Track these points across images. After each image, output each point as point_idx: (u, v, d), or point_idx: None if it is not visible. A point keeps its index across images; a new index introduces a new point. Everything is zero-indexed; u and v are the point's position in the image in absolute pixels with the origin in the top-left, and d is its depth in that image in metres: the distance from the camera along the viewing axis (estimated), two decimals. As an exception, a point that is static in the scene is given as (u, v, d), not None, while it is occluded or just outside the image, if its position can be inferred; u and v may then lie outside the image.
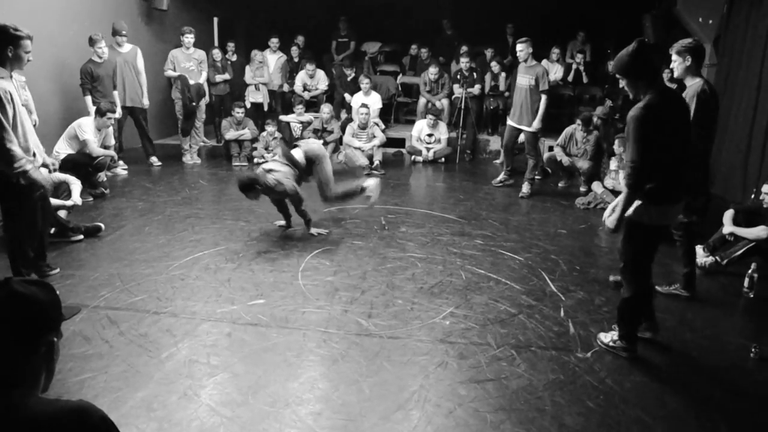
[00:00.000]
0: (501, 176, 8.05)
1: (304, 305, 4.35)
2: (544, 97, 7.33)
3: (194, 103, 9.08)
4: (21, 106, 4.13)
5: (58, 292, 1.57)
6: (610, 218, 3.57)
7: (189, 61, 8.97)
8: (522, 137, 7.69)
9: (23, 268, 4.42)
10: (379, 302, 4.41)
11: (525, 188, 7.64)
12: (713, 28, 8.71)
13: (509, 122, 7.68)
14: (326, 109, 9.67)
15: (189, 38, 9.00)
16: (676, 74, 4.34)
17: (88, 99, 7.85)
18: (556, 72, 10.82)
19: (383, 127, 9.92)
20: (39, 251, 4.64)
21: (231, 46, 10.80)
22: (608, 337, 3.83)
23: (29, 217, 4.30)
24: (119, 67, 8.32)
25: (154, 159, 8.97)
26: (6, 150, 3.95)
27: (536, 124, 7.36)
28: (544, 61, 10.67)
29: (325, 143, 9.37)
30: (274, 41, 10.82)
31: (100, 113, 7.22)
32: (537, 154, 7.80)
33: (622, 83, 3.45)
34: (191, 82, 8.99)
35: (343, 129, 9.52)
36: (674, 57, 4.37)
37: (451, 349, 3.76)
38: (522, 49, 7.34)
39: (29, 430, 1.35)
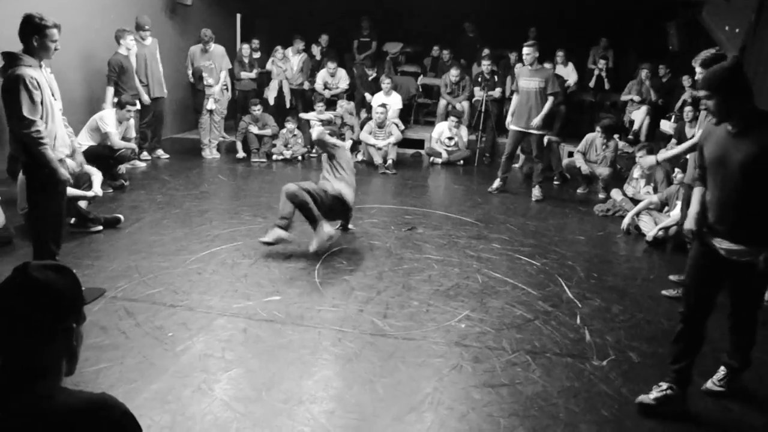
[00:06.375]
0: (497, 183, 7.90)
1: (320, 303, 4.35)
2: (551, 99, 7.36)
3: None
4: (50, 95, 4.15)
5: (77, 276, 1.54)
6: None
7: (207, 60, 9.01)
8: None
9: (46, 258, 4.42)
10: (395, 303, 4.41)
11: (537, 192, 7.62)
12: (739, 37, 8.60)
13: (512, 127, 7.64)
14: (342, 103, 9.70)
15: (208, 46, 9.06)
16: None
17: (110, 90, 7.92)
18: (569, 75, 10.73)
19: (403, 127, 9.92)
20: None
21: (255, 43, 10.88)
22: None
23: (54, 210, 4.31)
24: (148, 61, 8.44)
25: (160, 151, 9.07)
26: (34, 139, 3.98)
27: (537, 121, 7.35)
28: (561, 67, 10.63)
29: (341, 137, 9.42)
30: (299, 43, 10.94)
31: (120, 105, 7.30)
32: (543, 156, 7.83)
33: (706, 104, 2.99)
34: (210, 80, 9.01)
35: (362, 127, 9.54)
36: (699, 69, 4.37)
37: (466, 353, 3.75)
38: (529, 53, 7.35)
39: (53, 422, 1.35)
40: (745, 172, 2.85)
